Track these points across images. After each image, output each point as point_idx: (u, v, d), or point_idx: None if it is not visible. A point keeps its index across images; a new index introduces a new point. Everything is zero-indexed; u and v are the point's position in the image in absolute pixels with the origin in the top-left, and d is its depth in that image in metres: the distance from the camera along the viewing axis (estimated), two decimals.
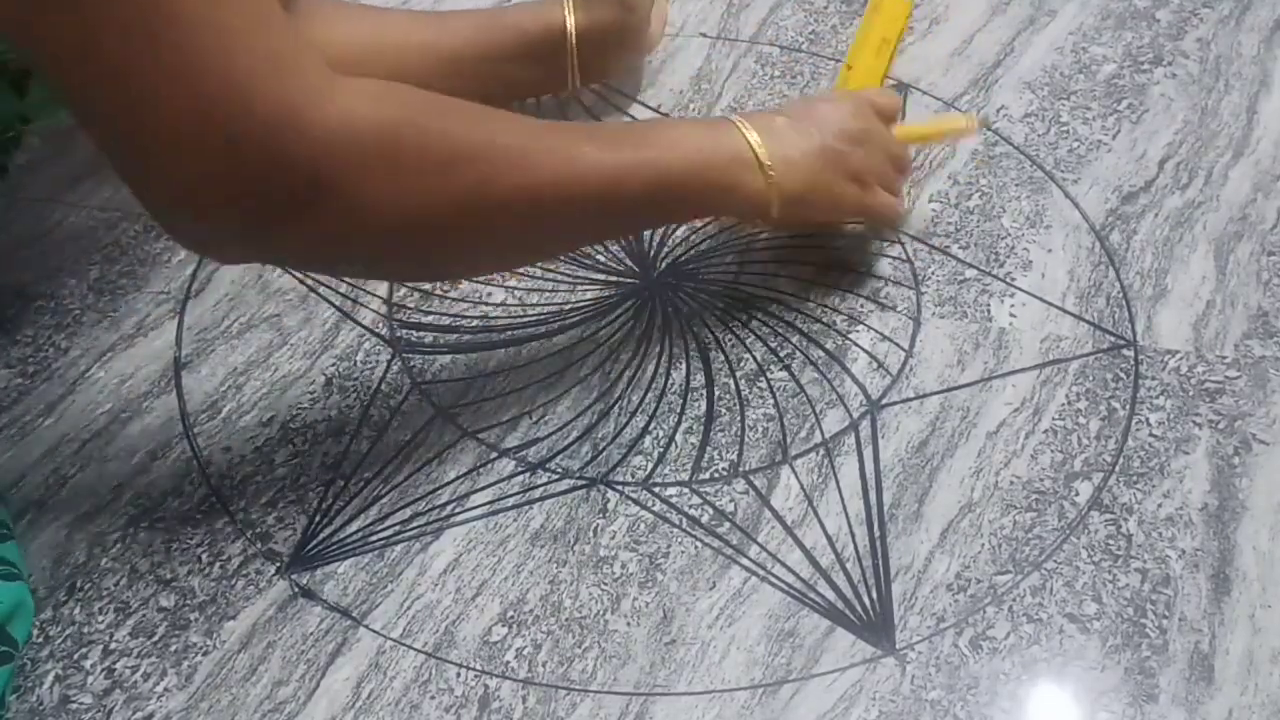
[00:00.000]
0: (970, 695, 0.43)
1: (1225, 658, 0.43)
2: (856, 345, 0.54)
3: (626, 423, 0.51)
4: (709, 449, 0.50)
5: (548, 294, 0.56)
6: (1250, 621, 0.44)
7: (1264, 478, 0.49)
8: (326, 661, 0.44)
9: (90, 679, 0.43)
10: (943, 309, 0.55)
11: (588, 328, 0.55)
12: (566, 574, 0.46)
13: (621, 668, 0.44)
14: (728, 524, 0.48)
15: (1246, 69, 0.67)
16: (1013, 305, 0.55)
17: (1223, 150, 0.62)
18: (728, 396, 0.52)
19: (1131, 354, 0.53)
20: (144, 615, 0.45)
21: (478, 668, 0.44)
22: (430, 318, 0.56)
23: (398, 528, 0.48)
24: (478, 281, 0.57)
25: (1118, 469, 0.49)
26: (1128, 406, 0.51)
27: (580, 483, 0.49)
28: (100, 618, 0.45)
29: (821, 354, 0.54)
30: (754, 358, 0.54)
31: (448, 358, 0.54)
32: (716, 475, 0.49)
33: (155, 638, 0.45)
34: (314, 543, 0.47)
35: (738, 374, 0.53)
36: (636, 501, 0.48)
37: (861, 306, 0.56)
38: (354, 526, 0.48)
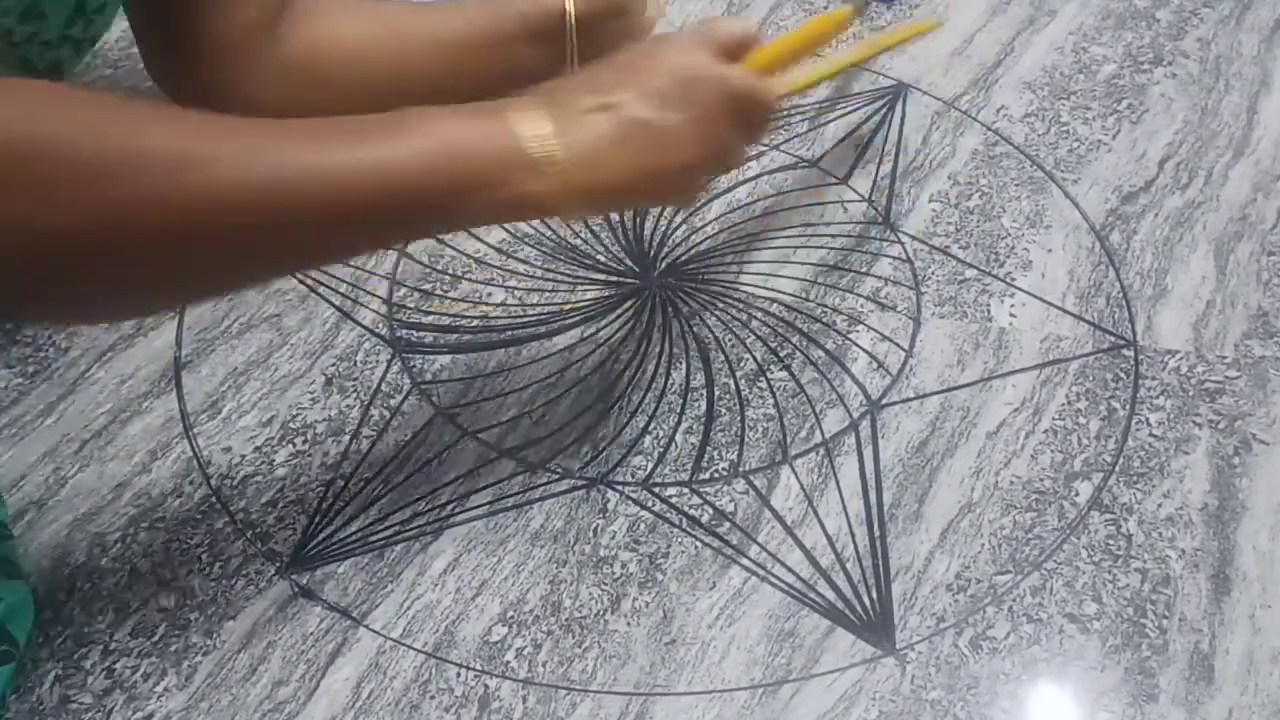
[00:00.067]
0: (970, 695, 0.43)
1: (1225, 658, 0.43)
2: (856, 345, 0.54)
3: (626, 423, 0.51)
4: (709, 449, 0.50)
5: (548, 294, 0.56)
6: (1250, 621, 0.44)
7: (1264, 478, 0.49)
8: (326, 661, 0.44)
9: (90, 679, 0.43)
10: (943, 309, 0.55)
11: (588, 328, 0.55)
12: (566, 574, 0.46)
13: (621, 668, 0.44)
14: (728, 524, 0.48)
15: (1246, 69, 0.67)
16: (1013, 305, 0.55)
17: (1223, 150, 0.62)
18: (728, 396, 0.52)
19: (1131, 354, 0.53)
20: (144, 615, 0.45)
21: (478, 668, 0.44)
22: (430, 318, 0.56)
23: (397, 528, 0.48)
24: (478, 281, 0.57)
25: (1118, 469, 0.49)
26: (1128, 406, 0.51)
27: (580, 483, 0.49)
28: (100, 618, 0.45)
29: (821, 354, 0.54)
30: (754, 358, 0.54)
31: (448, 358, 0.54)
32: (716, 475, 0.49)
33: (155, 638, 0.45)
34: (314, 543, 0.47)
35: (738, 374, 0.53)
36: (636, 501, 0.48)
37: (861, 306, 0.56)
38: (354, 527, 0.48)
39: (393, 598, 0.46)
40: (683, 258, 0.58)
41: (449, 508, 0.48)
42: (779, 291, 0.56)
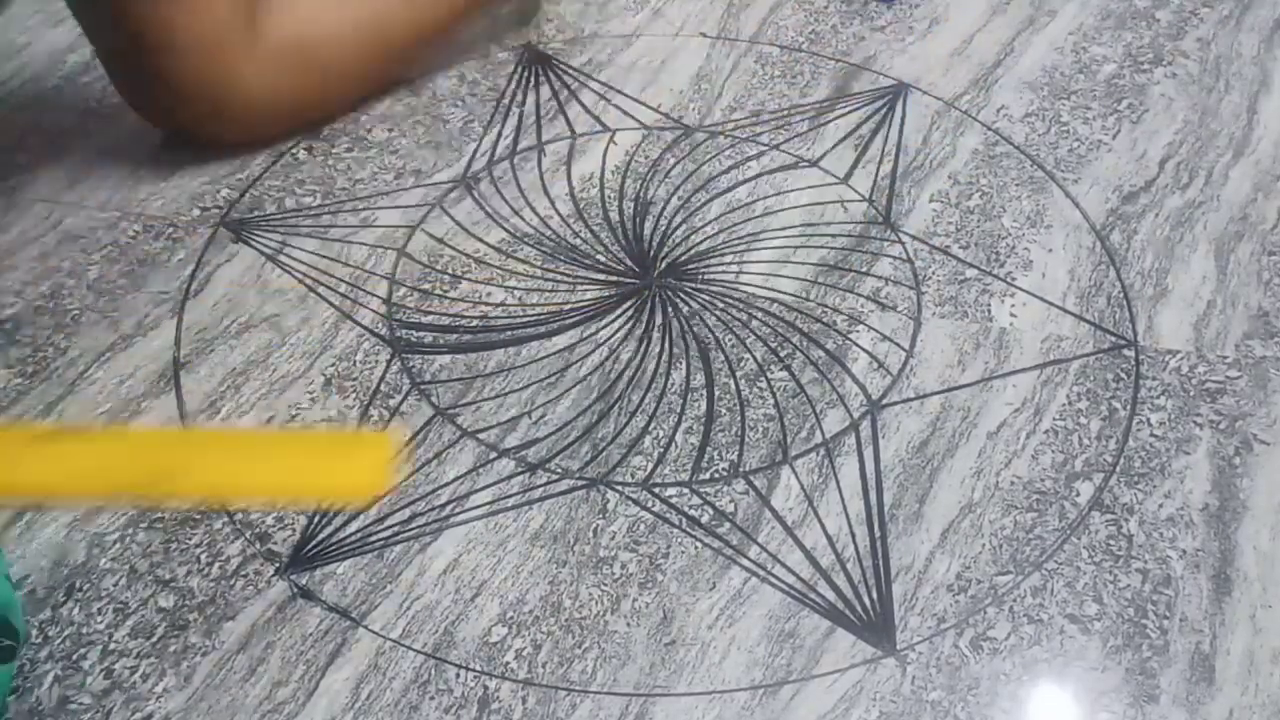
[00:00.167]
0: (971, 696, 0.43)
1: (1226, 658, 0.43)
2: (856, 345, 0.54)
3: (626, 423, 0.51)
4: (709, 449, 0.50)
5: (548, 294, 0.56)
6: (1251, 622, 0.44)
7: (1265, 478, 0.49)
8: (326, 662, 0.44)
9: (89, 679, 0.43)
10: (943, 309, 0.55)
11: (588, 328, 0.55)
12: (566, 574, 0.46)
13: (621, 668, 0.43)
14: (728, 524, 0.48)
15: (1246, 69, 0.67)
16: (1013, 305, 0.55)
17: (1223, 150, 0.62)
18: (728, 396, 0.52)
19: (1132, 354, 0.53)
20: (143, 616, 0.45)
21: (477, 668, 0.44)
22: (430, 318, 0.55)
23: (397, 528, 0.48)
24: (478, 281, 0.57)
25: (1118, 469, 0.49)
26: (1128, 406, 0.51)
27: (580, 483, 0.49)
28: (99, 618, 0.45)
29: (821, 354, 0.54)
30: (754, 358, 0.54)
31: (447, 358, 0.54)
32: (716, 475, 0.49)
33: (154, 638, 0.44)
34: (313, 543, 0.47)
35: (738, 374, 0.53)
36: (636, 502, 0.48)
37: (861, 306, 0.56)
38: (353, 527, 0.48)
39: (392, 598, 0.45)
40: (683, 258, 0.58)
41: (448, 508, 0.48)
42: (779, 291, 0.56)
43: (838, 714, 0.42)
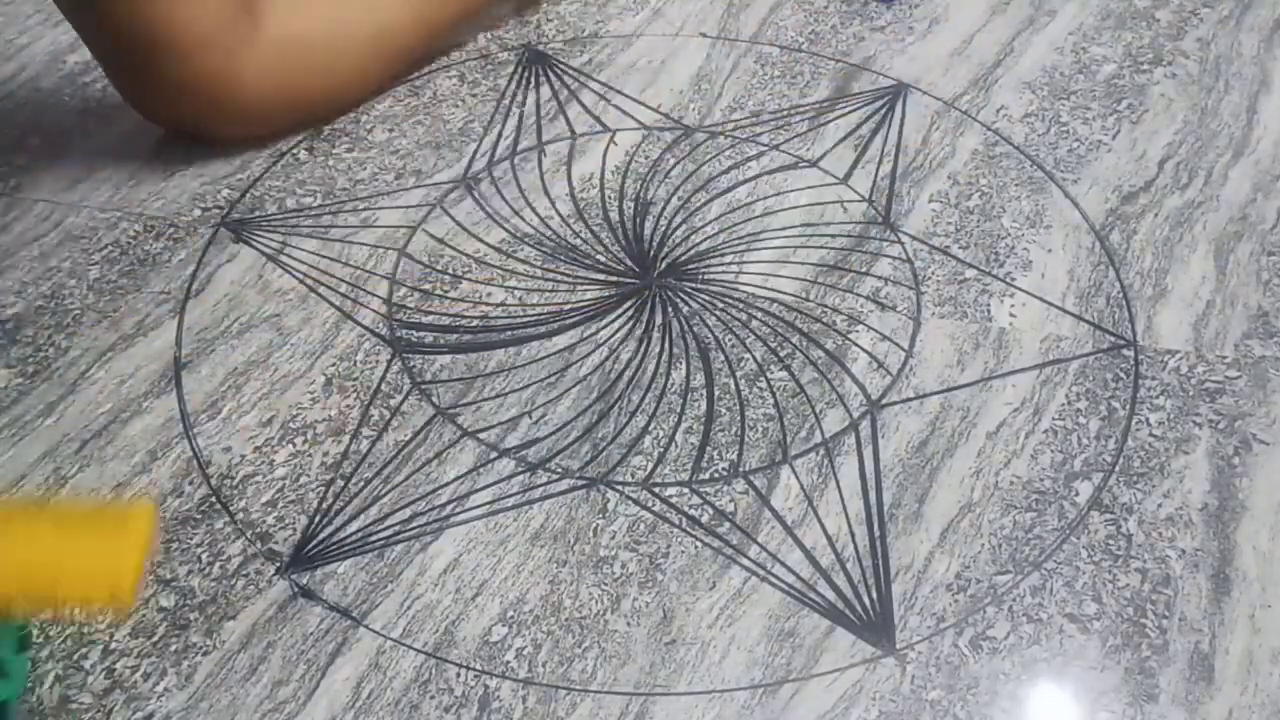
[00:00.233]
0: (970, 695, 0.43)
1: (1225, 658, 0.43)
2: (856, 345, 0.54)
3: (626, 423, 0.51)
4: (709, 449, 0.50)
5: (548, 294, 0.56)
6: (1250, 621, 0.44)
7: (1264, 478, 0.49)
8: (326, 661, 0.44)
9: (90, 679, 0.43)
10: (943, 309, 0.55)
11: (588, 328, 0.55)
12: (566, 574, 0.46)
13: (621, 668, 0.44)
14: (728, 524, 0.48)
15: (1246, 69, 0.67)
16: (1013, 305, 0.55)
17: (1223, 150, 0.63)
18: (728, 396, 0.52)
19: (1131, 354, 0.53)
20: (144, 615, 0.45)
21: (478, 668, 0.44)
22: (430, 318, 0.56)
23: (398, 528, 0.48)
24: (478, 281, 0.57)
25: (1118, 469, 0.49)
26: (1128, 406, 0.51)
27: (580, 483, 0.49)
28: (99, 618, 0.45)
29: (821, 354, 0.54)
30: (754, 358, 0.54)
31: (448, 357, 0.54)
32: (716, 475, 0.49)
33: (155, 638, 0.45)
34: (314, 543, 0.47)
35: (738, 374, 0.53)
36: (636, 501, 0.48)
37: (861, 306, 0.56)
38: (354, 526, 0.48)
39: (393, 598, 0.46)
40: (683, 258, 0.58)
41: (449, 508, 0.48)
42: (779, 291, 0.56)
43: (837, 713, 0.42)
